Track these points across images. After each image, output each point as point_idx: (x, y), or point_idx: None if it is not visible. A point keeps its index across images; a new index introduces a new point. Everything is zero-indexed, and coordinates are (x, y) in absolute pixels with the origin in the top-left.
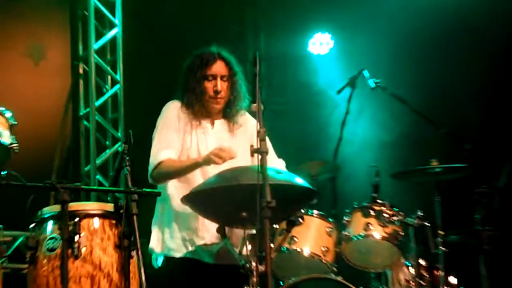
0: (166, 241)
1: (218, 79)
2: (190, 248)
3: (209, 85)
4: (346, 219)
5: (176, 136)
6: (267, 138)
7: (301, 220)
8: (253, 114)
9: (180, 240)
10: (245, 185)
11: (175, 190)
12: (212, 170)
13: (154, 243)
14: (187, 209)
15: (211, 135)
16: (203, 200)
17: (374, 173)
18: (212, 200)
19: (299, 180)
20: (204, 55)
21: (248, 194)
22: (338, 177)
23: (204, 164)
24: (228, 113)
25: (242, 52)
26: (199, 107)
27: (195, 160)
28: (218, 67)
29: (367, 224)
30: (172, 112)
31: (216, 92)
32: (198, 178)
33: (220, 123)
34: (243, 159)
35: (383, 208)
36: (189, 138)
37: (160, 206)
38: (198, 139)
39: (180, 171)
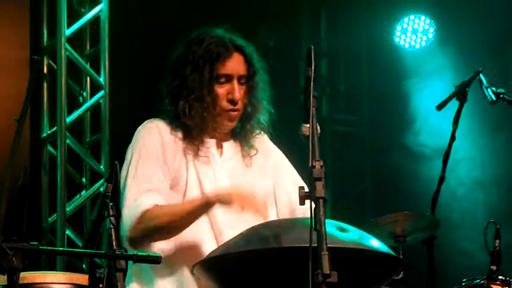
0: None
1: (235, 81)
2: None
3: (221, 90)
4: None
5: (162, 173)
6: (291, 167)
7: None
8: (305, 138)
9: None
10: (289, 248)
11: (170, 249)
12: (226, 220)
13: None
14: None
15: (221, 167)
16: (224, 271)
17: (493, 233)
18: (238, 271)
19: (375, 243)
20: (211, 43)
21: (294, 263)
22: (437, 239)
23: (219, 202)
24: (241, 132)
25: (291, 45)
26: (204, 125)
27: (202, 199)
28: (235, 63)
29: None
30: (152, 138)
31: (233, 102)
32: (205, 231)
33: (230, 147)
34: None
35: None
36: (183, 174)
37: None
38: (200, 173)
39: (179, 221)
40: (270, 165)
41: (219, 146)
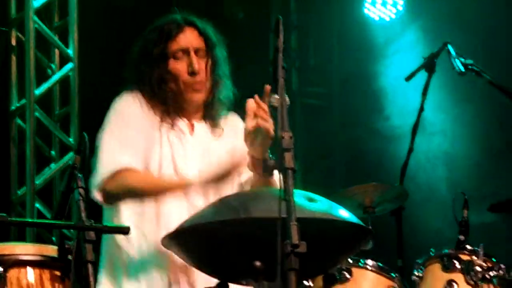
0: None
1: (192, 53)
2: None
3: (178, 65)
4: (417, 273)
5: (140, 138)
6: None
7: (347, 275)
8: (274, 110)
9: None
10: (259, 219)
11: (135, 221)
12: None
13: None
14: (159, 254)
15: (191, 144)
16: (194, 242)
17: (461, 204)
18: (208, 242)
19: (344, 213)
20: (163, 25)
21: (263, 233)
22: (405, 210)
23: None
24: (210, 111)
25: (260, 18)
26: (167, 103)
27: (181, 181)
28: (189, 37)
29: (450, 282)
30: (131, 106)
31: (193, 73)
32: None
33: (201, 126)
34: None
35: (474, 257)
36: (157, 147)
37: (109, 246)
38: (173, 149)
39: (151, 191)
40: (240, 143)
41: (191, 125)
